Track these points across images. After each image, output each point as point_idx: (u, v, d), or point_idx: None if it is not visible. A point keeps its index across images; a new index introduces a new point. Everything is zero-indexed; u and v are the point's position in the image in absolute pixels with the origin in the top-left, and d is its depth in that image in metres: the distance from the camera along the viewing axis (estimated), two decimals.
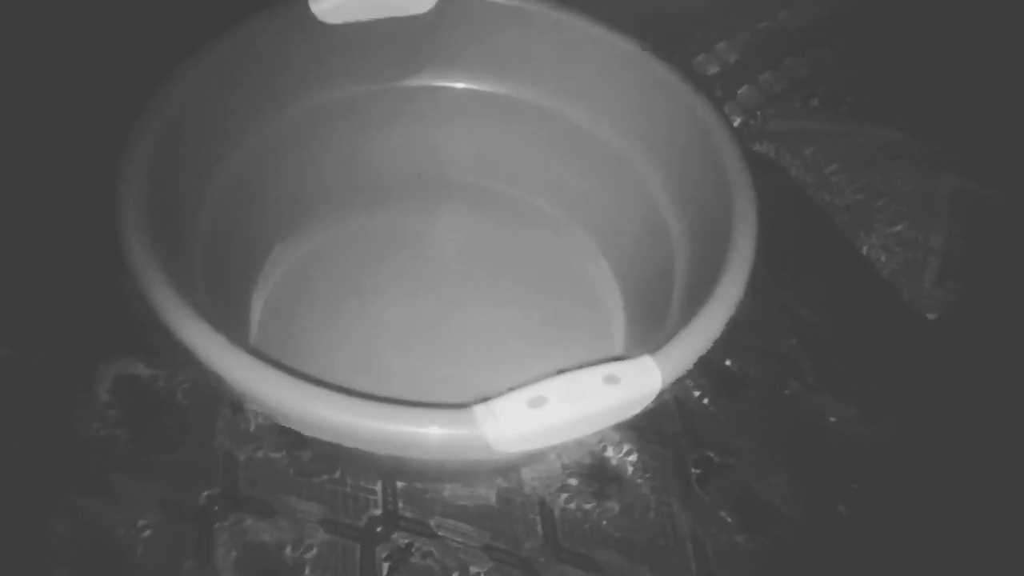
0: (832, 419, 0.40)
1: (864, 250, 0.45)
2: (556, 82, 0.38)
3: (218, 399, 0.36)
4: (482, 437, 0.23)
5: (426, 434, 0.23)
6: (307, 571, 0.32)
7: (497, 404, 0.24)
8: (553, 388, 0.24)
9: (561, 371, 0.25)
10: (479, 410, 0.24)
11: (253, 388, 0.24)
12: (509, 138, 0.40)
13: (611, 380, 0.25)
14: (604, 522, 0.35)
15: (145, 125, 0.30)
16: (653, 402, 0.26)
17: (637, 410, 0.25)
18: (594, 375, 0.25)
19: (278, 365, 0.24)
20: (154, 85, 0.31)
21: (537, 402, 0.24)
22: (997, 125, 0.48)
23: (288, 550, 0.32)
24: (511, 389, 0.24)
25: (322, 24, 0.35)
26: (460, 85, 0.39)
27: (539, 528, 0.34)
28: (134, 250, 0.26)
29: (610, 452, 0.37)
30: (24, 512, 0.32)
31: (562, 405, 0.24)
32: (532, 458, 0.36)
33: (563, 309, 0.39)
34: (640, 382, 0.25)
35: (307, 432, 0.25)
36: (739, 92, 0.52)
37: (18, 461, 0.33)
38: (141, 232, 0.27)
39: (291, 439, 0.35)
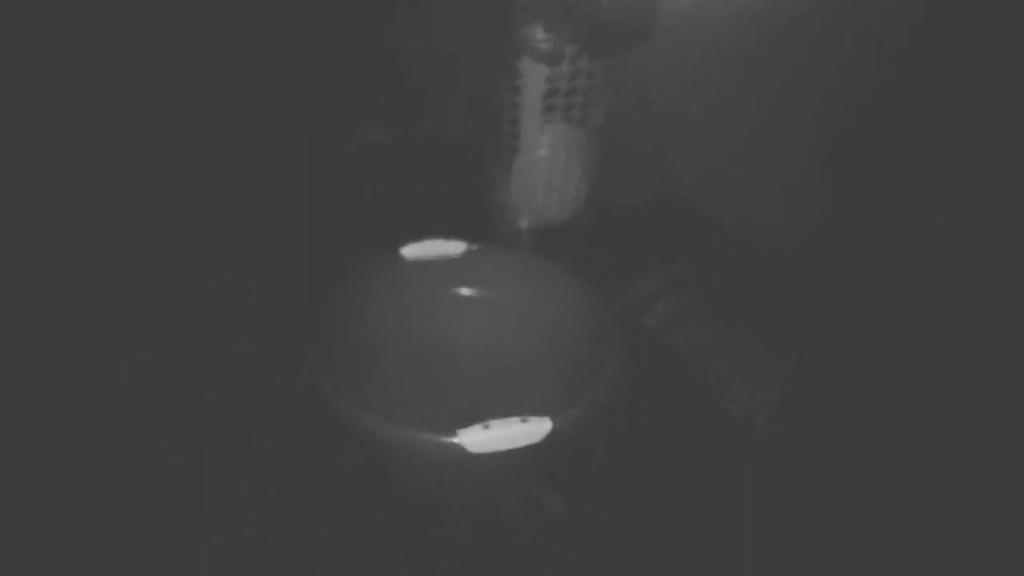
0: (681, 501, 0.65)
1: (721, 401, 0.73)
2: (523, 289, 0.71)
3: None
4: (461, 444, 0.52)
5: (443, 443, 0.52)
6: None
7: (468, 431, 0.52)
8: (496, 423, 0.53)
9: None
10: (461, 432, 0.52)
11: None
12: (500, 321, 0.73)
13: (525, 422, 0.53)
14: None
15: (320, 311, 0.63)
16: (544, 438, 0.54)
17: (536, 439, 0.53)
18: (516, 420, 0.54)
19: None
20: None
21: (488, 428, 0.53)
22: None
23: None
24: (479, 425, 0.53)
25: (403, 259, 0.69)
26: (472, 292, 0.73)
27: None
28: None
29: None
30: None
31: (498, 429, 0.52)
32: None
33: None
34: (538, 427, 0.53)
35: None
36: (655, 307, 0.84)
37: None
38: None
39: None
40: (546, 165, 0.91)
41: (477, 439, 0.52)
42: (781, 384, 0.73)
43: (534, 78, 0.81)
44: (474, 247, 0.71)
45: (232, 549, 0.52)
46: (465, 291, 0.73)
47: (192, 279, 0.64)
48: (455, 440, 0.52)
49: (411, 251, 0.70)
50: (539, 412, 0.54)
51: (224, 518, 0.54)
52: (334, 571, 0.56)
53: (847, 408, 0.70)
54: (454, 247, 0.71)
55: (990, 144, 0.71)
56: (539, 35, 0.77)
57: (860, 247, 0.81)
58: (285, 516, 0.59)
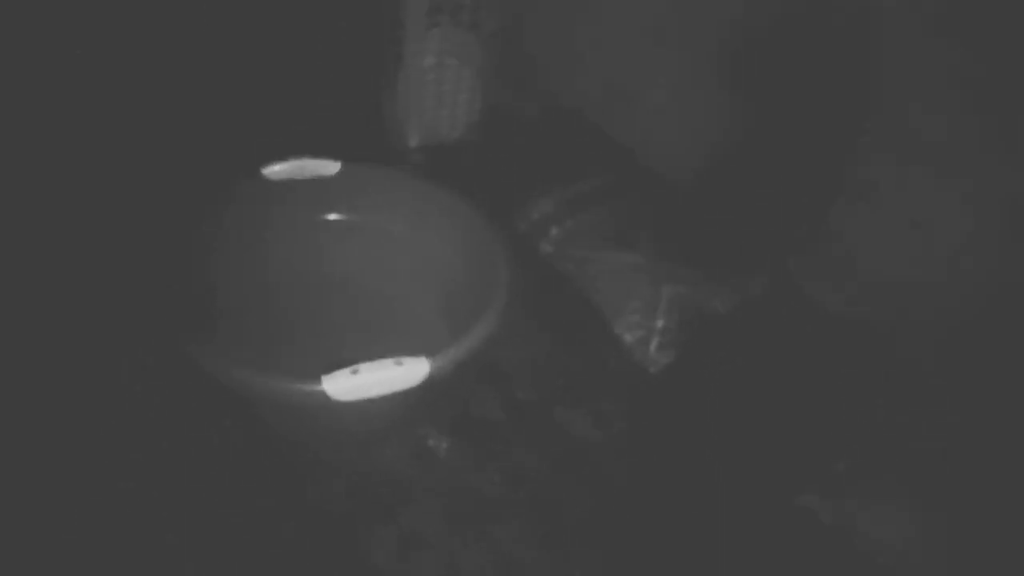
0: (575, 428, 0.63)
1: (615, 329, 0.70)
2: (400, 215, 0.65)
3: None
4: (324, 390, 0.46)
5: (303, 390, 0.46)
6: None
7: (334, 376, 0.47)
8: (365, 366, 0.47)
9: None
10: (325, 379, 0.47)
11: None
12: (374, 250, 0.66)
13: (399, 364, 0.48)
14: None
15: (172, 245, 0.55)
16: (423, 381, 0.49)
17: (413, 383, 0.48)
18: (390, 362, 0.48)
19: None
20: None
21: (356, 373, 0.47)
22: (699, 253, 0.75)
23: None
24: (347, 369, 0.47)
25: (265, 181, 0.61)
26: (343, 217, 0.65)
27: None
28: None
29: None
30: None
31: (368, 374, 0.47)
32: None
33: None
34: (415, 369, 0.48)
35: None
36: (551, 232, 0.79)
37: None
38: None
39: None
40: (434, 75, 0.83)
41: (343, 386, 0.46)
42: (672, 319, 0.70)
43: None
44: (347, 167, 0.63)
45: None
46: (334, 216, 0.65)
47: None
48: (318, 388, 0.46)
49: (275, 172, 0.62)
50: (418, 350, 0.49)
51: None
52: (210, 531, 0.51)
53: (743, 339, 0.68)
54: (326, 167, 0.63)
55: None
56: None
57: (761, 177, 0.78)
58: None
